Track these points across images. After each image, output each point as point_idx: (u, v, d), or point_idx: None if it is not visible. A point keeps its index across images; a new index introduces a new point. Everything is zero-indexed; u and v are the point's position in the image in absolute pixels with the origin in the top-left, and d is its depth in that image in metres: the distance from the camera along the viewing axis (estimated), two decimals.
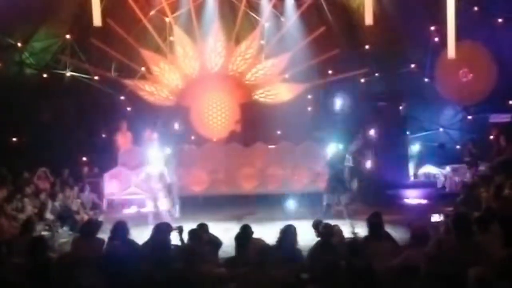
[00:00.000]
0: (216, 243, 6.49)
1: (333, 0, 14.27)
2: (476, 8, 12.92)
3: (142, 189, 11.74)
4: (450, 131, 14.65)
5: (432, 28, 13.49)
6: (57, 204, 10.38)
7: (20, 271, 5.08)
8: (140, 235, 7.16)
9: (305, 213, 10.34)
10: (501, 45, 12.95)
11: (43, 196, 10.51)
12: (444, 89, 14.00)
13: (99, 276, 5.01)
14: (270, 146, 13.46)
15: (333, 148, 10.65)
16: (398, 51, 14.13)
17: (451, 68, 13.32)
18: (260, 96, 14.83)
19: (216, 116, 14.73)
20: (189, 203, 11.55)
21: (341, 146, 11.56)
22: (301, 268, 5.45)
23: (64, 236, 9.32)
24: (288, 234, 5.99)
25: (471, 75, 13.56)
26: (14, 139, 13.25)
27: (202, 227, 6.50)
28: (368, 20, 10.53)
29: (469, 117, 14.29)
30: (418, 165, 13.94)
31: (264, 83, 14.78)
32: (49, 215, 9.85)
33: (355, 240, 5.99)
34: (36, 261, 5.18)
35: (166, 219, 9.51)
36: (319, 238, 6.24)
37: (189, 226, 6.57)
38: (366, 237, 6.10)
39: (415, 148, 14.24)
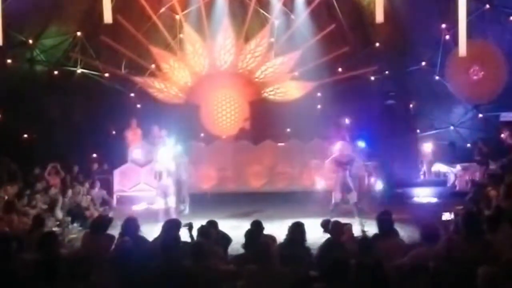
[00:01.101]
0: (226, 239, 6.50)
1: None
2: (487, 6, 12.83)
3: (152, 185, 11.79)
4: (460, 130, 14.57)
5: (443, 26, 13.41)
6: (67, 200, 10.44)
7: (30, 266, 5.11)
8: (150, 231, 7.19)
9: (313, 211, 10.32)
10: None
11: (53, 192, 10.59)
12: (454, 87, 13.92)
13: (109, 272, 5.04)
14: (279, 144, 13.46)
15: (339, 146, 10.62)
16: (408, 49, 14.06)
17: (462, 66, 13.25)
18: (270, 94, 14.82)
19: (225, 113, 14.74)
20: (198, 200, 11.57)
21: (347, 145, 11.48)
22: (310, 266, 5.46)
23: (74, 232, 9.38)
24: (297, 231, 5.99)
25: (482, 73, 13.47)
26: (25, 135, 13.34)
27: (212, 224, 6.51)
28: (379, 17, 10.49)
29: (480, 115, 14.19)
30: (431, 163, 13.87)
31: (274, 81, 14.76)
32: (59, 211, 9.92)
33: (365, 238, 5.98)
34: (46, 257, 5.21)
35: (176, 216, 9.54)
36: (328, 236, 6.24)
37: (198, 223, 6.59)
38: (375, 235, 6.09)
39: (428, 147, 14.15)
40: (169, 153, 10.75)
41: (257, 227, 6.19)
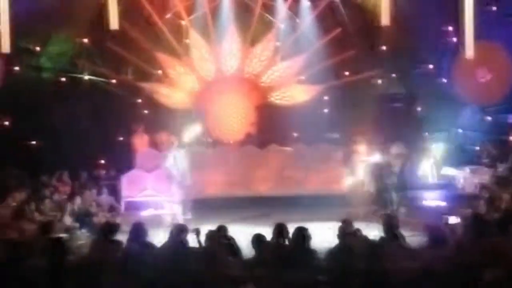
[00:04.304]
0: (235, 246, 6.44)
1: (349, 1, 14.21)
2: (494, 8, 12.79)
3: (159, 191, 11.81)
4: (468, 132, 14.49)
5: (450, 28, 13.38)
6: (75, 206, 10.47)
7: (39, 273, 5.13)
8: (158, 237, 7.20)
9: (321, 215, 10.30)
10: None
11: (62, 198, 10.63)
12: (462, 89, 13.86)
13: (117, 278, 5.05)
14: (285, 148, 13.45)
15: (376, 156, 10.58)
16: (415, 52, 14.03)
17: (468, 69, 13.19)
18: (276, 98, 14.82)
19: (232, 118, 14.74)
20: (205, 205, 11.57)
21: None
22: (318, 270, 5.44)
23: (82, 238, 9.39)
24: (299, 236, 5.94)
25: (489, 75, 13.42)
26: (32, 142, 13.39)
27: (221, 229, 6.49)
28: (385, 20, 10.48)
29: (488, 118, 14.12)
30: (439, 167, 13.79)
31: (280, 85, 14.77)
32: (67, 218, 9.94)
33: (373, 242, 5.95)
34: (54, 263, 5.23)
35: (183, 221, 9.56)
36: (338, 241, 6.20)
37: (204, 228, 6.58)
38: (382, 239, 6.06)
39: (435, 150, 14.06)
40: (177, 159, 10.78)
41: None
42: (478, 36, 11.32)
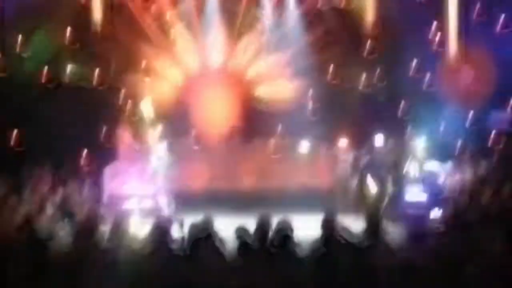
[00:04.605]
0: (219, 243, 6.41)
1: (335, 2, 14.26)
2: (478, 12, 12.94)
3: (143, 184, 11.77)
4: (451, 131, 14.60)
5: (436, 30, 13.50)
6: (57, 200, 10.38)
7: (21, 267, 5.09)
8: (141, 231, 7.18)
9: (307, 208, 10.35)
10: (502, 48, 12.99)
11: (43, 192, 10.52)
12: (445, 91, 14.02)
13: (99, 275, 5.03)
14: (271, 142, 13.49)
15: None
16: (399, 54, 14.14)
17: (453, 71, 13.36)
18: (261, 92, 14.84)
19: (217, 112, 14.72)
20: (189, 198, 11.56)
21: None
22: (300, 264, 5.46)
23: (64, 234, 9.30)
24: (282, 228, 5.95)
25: (473, 77, 13.59)
26: (13, 134, 13.24)
27: (206, 222, 6.39)
28: (370, 23, 10.56)
29: (470, 118, 14.26)
30: (421, 163, 13.90)
31: (266, 80, 14.78)
32: (50, 210, 9.85)
33: (356, 236, 6.00)
34: (36, 256, 5.19)
35: (166, 214, 9.55)
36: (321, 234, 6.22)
37: (188, 221, 6.56)
38: (364, 235, 6.10)
39: (420, 144, 14.16)
40: (160, 152, 10.77)
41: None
42: (462, 39, 11.44)
